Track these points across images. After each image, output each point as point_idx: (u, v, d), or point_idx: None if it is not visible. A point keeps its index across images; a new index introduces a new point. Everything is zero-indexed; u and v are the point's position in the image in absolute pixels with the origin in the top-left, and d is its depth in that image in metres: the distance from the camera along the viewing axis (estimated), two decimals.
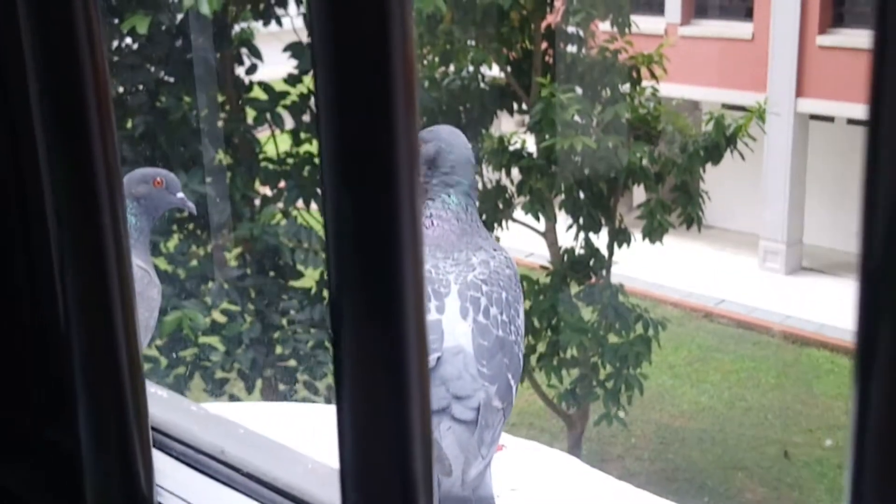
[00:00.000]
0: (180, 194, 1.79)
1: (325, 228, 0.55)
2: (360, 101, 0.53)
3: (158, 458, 1.03)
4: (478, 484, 1.34)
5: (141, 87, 5.96)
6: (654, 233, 6.53)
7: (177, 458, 1.02)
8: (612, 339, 6.76)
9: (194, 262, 5.93)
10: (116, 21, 5.78)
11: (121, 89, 5.93)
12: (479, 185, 6.73)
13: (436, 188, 1.54)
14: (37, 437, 1.05)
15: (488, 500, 1.35)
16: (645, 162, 6.59)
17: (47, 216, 0.74)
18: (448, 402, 1.37)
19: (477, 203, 1.56)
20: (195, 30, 5.83)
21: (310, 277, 6.10)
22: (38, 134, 0.74)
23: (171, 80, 5.91)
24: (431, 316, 1.43)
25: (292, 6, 6.31)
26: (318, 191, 6.07)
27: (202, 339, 5.82)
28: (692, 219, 6.62)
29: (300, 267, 5.95)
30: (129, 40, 5.94)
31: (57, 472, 0.97)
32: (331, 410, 2.28)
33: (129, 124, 5.87)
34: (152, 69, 5.92)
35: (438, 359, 1.40)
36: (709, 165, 6.61)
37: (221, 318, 5.95)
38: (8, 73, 0.78)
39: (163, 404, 1.15)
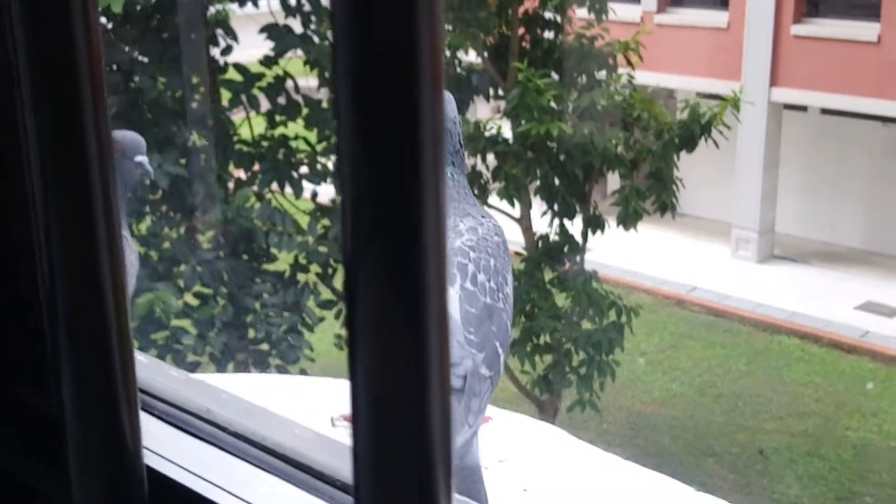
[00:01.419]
0: (139, 157, 1.72)
1: (341, 184, 0.53)
2: (383, 63, 0.51)
3: (143, 418, 1.02)
4: (464, 453, 1.33)
5: (115, 67, 5.89)
6: (628, 220, 6.55)
7: (161, 419, 1.01)
8: (586, 325, 6.78)
9: (167, 245, 5.89)
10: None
11: None
12: None
13: None
14: (14, 400, 1.04)
15: (475, 469, 1.34)
16: (620, 149, 6.61)
17: (33, 177, 0.72)
18: None
19: (460, 163, 1.53)
20: (170, 10, 5.78)
21: (283, 261, 6.07)
22: (25, 95, 0.72)
23: (146, 60, 5.85)
24: None
25: None
26: (294, 174, 6.03)
27: (174, 322, 5.78)
28: (666, 206, 6.64)
29: (274, 250, 5.92)
30: (103, 20, 5.87)
31: (40, 438, 0.96)
32: (303, 382, 2.26)
33: None
34: (126, 49, 5.86)
35: None
36: (683, 153, 6.63)
37: (194, 301, 5.91)
38: None
39: (144, 369, 1.14)
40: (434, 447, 0.55)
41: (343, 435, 1.49)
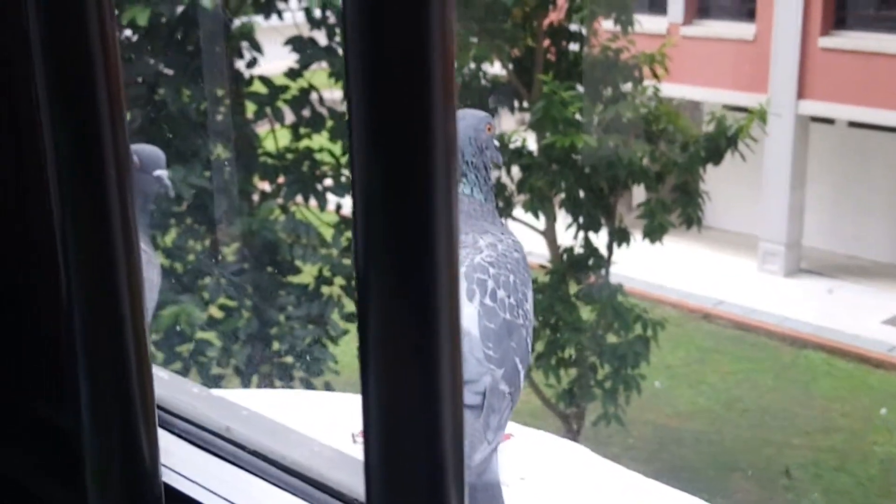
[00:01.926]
0: (158, 171, 1.71)
1: (353, 199, 0.52)
2: (395, 69, 0.50)
3: (162, 435, 1.01)
4: (483, 469, 1.31)
5: (140, 79, 5.92)
6: (653, 233, 6.51)
7: (180, 436, 1.00)
8: (611, 338, 6.74)
9: (191, 257, 5.90)
10: (116, 13, 5.75)
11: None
12: None
13: None
14: (36, 419, 1.03)
15: (494, 485, 1.33)
16: (645, 161, 6.57)
17: (50, 193, 0.72)
18: None
19: (486, 188, 1.53)
20: (195, 23, 5.80)
21: (308, 273, 6.07)
22: (42, 110, 0.71)
23: (171, 72, 5.88)
24: None
25: (294, 0, 6.28)
26: (318, 186, 6.04)
27: (199, 335, 5.79)
28: (692, 219, 6.60)
29: (298, 263, 5.92)
30: (128, 32, 5.90)
31: (57, 455, 0.95)
32: (326, 397, 2.25)
33: (128, 117, 5.83)
34: (151, 62, 5.89)
35: None
36: (709, 166, 6.59)
37: (219, 314, 5.92)
38: (13, 61, 0.76)
39: (164, 385, 1.13)
40: (446, 459, 0.53)
41: (354, 452, 1.47)
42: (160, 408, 1.05)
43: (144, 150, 1.73)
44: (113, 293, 0.72)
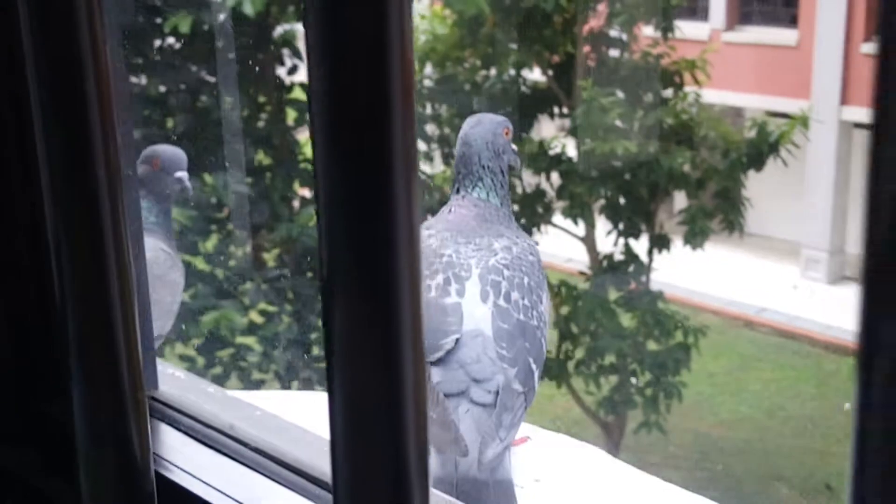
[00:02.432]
0: (179, 173, 1.73)
1: (317, 209, 0.53)
2: (355, 79, 0.51)
3: (167, 432, 1.03)
4: (495, 466, 1.33)
5: (182, 86, 5.99)
6: (694, 239, 6.47)
7: (186, 433, 1.01)
8: (652, 346, 6.70)
9: (232, 262, 5.96)
10: (159, 21, 5.83)
11: (162, 88, 5.97)
12: (519, 190, 6.70)
13: (459, 178, 1.54)
14: (39, 418, 1.05)
15: (507, 483, 1.34)
16: (686, 167, 6.53)
17: (43, 193, 0.73)
18: (467, 385, 1.37)
19: (503, 192, 1.54)
20: (237, 30, 5.86)
21: None
22: (35, 117, 0.72)
23: (212, 79, 5.94)
24: (451, 299, 1.42)
25: None
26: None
27: (239, 340, 5.84)
28: (733, 225, 6.55)
29: None
30: (171, 40, 5.98)
31: (55, 450, 0.97)
32: None
33: (171, 123, 5.90)
34: (194, 69, 5.96)
35: (457, 341, 1.39)
36: (751, 172, 6.53)
37: (259, 319, 5.97)
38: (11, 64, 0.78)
39: (180, 384, 1.15)
40: (409, 452, 0.54)
41: None
42: (168, 405, 1.07)
43: (166, 152, 1.75)
44: (103, 293, 0.73)
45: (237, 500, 0.91)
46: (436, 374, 1.38)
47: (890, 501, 0.36)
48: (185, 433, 1.02)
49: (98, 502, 0.76)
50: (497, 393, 1.36)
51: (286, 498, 0.92)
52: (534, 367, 1.40)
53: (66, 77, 0.71)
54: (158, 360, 1.23)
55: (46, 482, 1.00)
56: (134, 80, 6.09)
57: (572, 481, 1.44)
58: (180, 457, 0.98)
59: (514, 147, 1.62)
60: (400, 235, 0.52)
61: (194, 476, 0.95)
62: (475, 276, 1.44)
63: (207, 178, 5.79)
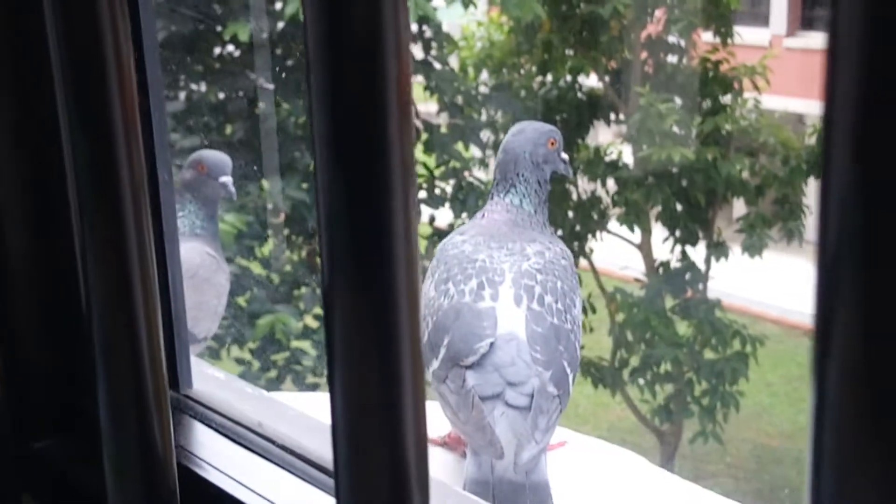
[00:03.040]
0: (223, 178, 1.76)
1: (317, 213, 0.55)
2: (352, 87, 0.52)
3: (199, 429, 1.05)
4: (531, 468, 1.34)
5: (241, 93, 6.07)
6: (753, 247, 6.40)
7: (217, 430, 1.03)
8: (708, 354, 6.63)
9: (288, 267, 6.01)
10: (219, 29, 5.91)
11: (221, 95, 6.06)
12: (574, 196, 6.68)
13: (495, 184, 1.56)
14: (78, 411, 1.07)
15: (543, 485, 1.35)
16: (745, 174, 6.46)
17: (71, 209, 0.75)
18: (502, 389, 1.38)
19: (537, 200, 1.55)
20: (295, 38, 5.93)
21: None
22: (62, 127, 0.74)
23: (270, 87, 6.01)
24: (485, 304, 1.44)
25: None
26: None
27: (294, 344, 5.89)
28: (793, 233, 6.46)
29: None
30: (230, 48, 6.06)
31: (88, 443, 0.99)
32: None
33: (229, 130, 5.98)
34: (252, 76, 6.03)
35: (492, 345, 1.40)
36: (811, 179, 6.44)
37: (314, 324, 6.02)
38: (37, 72, 0.80)
39: (219, 385, 1.17)
40: (408, 450, 0.55)
41: None
42: (201, 403, 1.09)
43: (211, 157, 1.79)
44: (126, 295, 0.75)
45: (262, 496, 0.92)
46: (471, 378, 1.39)
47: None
48: (216, 430, 1.04)
49: (122, 495, 0.78)
50: (532, 396, 1.38)
51: (310, 494, 0.93)
52: (568, 370, 1.41)
53: (90, 87, 0.73)
54: (201, 362, 1.25)
55: (78, 473, 1.03)
56: (193, 87, 6.18)
57: (609, 486, 1.44)
58: (209, 453, 1.00)
59: (565, 156, 1.63)
60: (397, 247, 0.53)
61: (222, 472, 0.97)
62: (508, 281, 1.45)
63: (265, 183, 5.86)
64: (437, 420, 1.49)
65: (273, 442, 0.98)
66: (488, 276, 1.45)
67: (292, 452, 0.96)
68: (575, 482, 1.43)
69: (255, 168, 5.72)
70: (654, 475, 1.49)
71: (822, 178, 0.36)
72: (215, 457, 0.98)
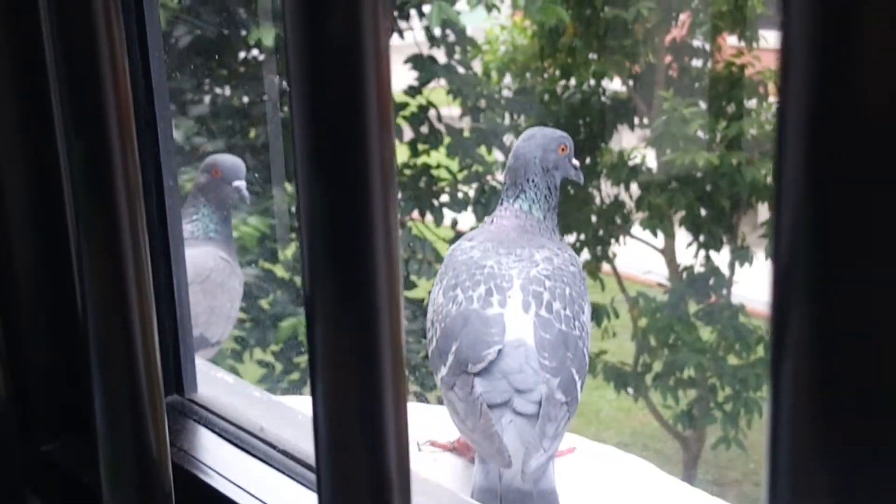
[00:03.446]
0: (237, 182, 1.78)
1: (298, 223, 0.55)
2: (332, 98, 0.53)
3: (204, 434, 1.05)
4: (539, 476, 1.34)
5: (265, 97, 6.10)
6: None
7: (220, 435, 1.04)
8: (732, 360, 6.59)
9: None
10: (244, 33, 5.94)
11: (245, 99, 6.09)
12: (597, 200, 6.66)
13: (504, 190, 1.56)
14: (84, 413, 1.08)
15: (550, 493, 1.35)
16: (770, 179, 6.42)
17: (67, 212, 0.76)
18: (510, 396, 1.38)
19: (546, 206, 1.55)
20: None
21: (422, 288, 6.13)
22: (58, 132, 0.75)
23: None
24: (493, 310, 1.44)
25: (415, 19, 6.38)
26: (435, 202, 6.11)
27: None
28: None
29: (413, 277, 5.99)
30: (255, 52, 6.09)
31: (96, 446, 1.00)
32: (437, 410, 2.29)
33: (253, 134, 6.01)
34: (276, 80, 6.06)
35: (500, 352, 1.40)
36: None
37: None
38: (34, 75, 0.81)
39: (227, 389, 1.18)
40: (389, 456, 0.55)
41: (422, 459, 1.49)
42: (204, 408, 1.10)
43: (225, 161, 1.80)
44: (121, 300, 0.76)
45: (262, 500, 0.93)
46: (479, 385, 1.39)
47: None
48: (219, 435, 1.05)
49: (117, 498, 0.79)
50: (540, 403, 1.38)
51: (309, 499, 0.94)
52: (576, 377, 1.41)
53: (85, 93, 0.73)
54: (210, 366, 1.26)
55: (86, 476, 1.04)
56: (218, 91, 6.22)
57: (617, 493, 1.43)
58: (212, 457, 1.01)
59: (576, 162, 1.63)
60: (378, 256, 0.53)
61: (224, 476, 0.98)
62: (517, 287, 1.45)
63: (288, 186, 5.89)
64: (446, 426, 1.50)
65: (274, 447, 0.99)
66: (496, 282, 1.46)
67: (293, 457, 0.97)
68: (583, 490, 1.43)
69: (278, 171, 5.74)
70: (663, 483, 1.48)
71: (775, 182, 0.37)
72: (217, 461, 0.99)
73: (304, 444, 1.03)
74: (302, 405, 1.43)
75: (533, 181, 1.53)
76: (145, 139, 0.96)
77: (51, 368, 1.08)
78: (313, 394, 0.57)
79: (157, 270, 1.02)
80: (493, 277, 1.44)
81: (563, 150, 1.58)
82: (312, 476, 0.97)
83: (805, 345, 0.37)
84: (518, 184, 1.54)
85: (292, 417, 1.14)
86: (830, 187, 0.36)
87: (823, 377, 0.38)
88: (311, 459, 1.00)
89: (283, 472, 0.96)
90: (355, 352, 0.55)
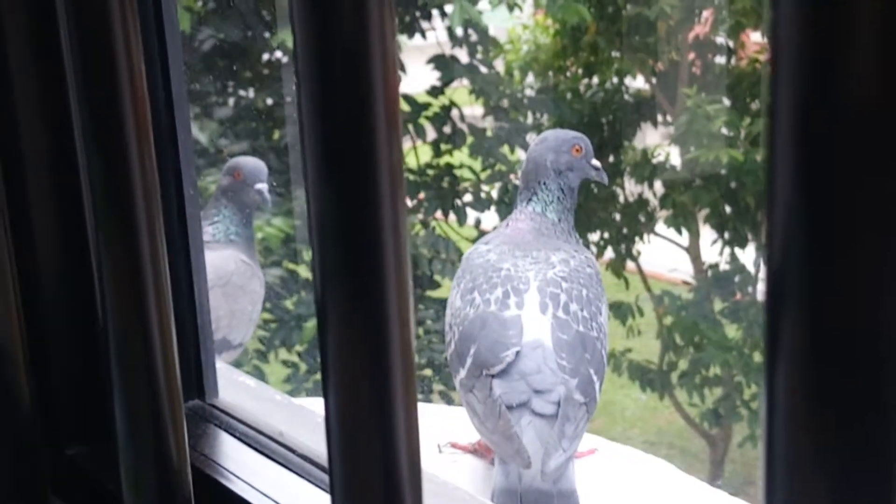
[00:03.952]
0: (259, 185, 1.79)
1: (308, 224, 0.56)
2: (341, 97, 0.53)
3: (225, 439, 1.07)
4: (558, 476, 1.35)
5: (289, 99, 6.12)
6: None
7: (240, 440, 1.05)
8: (758, 358, 6.56)
9: None
10: (268, 35, 5.97)
11: (269, 101, 6.11)
12: (621, 199, 6.64)
13: (519, 193, 1.57)
14: (108, 417, 1.10)
15: (570, 493, 1.36)
16: None
17: (86, 214, 0.77)
18: (528, 397, 1.39)
19: (560, 207, 1.56)
20: None
21: (446, 288, 6.14)
22: (77, 138, 0.77)
23: None
24: (511, 312, 1.45)
25: (437, 19, 6.38)
26: (458, 202, 6.11)
27: None
28: None
29: (437, 277, 6.00)
30: (279, 54, 6.12)
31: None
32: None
33: (276, 135, 6.04)
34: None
35: (518, 353, 1.41)
36: None
37: None
38: (49, 79, 0.82)
39: (248, 392, 1.19)
40: (400, 459, 0.56)
41: (443, 461, 1.50)
42: (225, 412, 1.11)
43: (247, 164, 1.82)
44: (141, 307, 0.77)
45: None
46: (497, 387, 1.40)
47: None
48: (240, 439, 1.06)
49: (137, 502, 0.80)
50: (558, 404, 1.38)
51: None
52: (594, 377, 1.41)
53: (103, 102, 0.75)
54: (232, 370, 1.27)
55: (110, 480, 1.05)
56: (242, 93, 6.25)
57: (638, 494, 1.44)
58: (232, 462, 1.02)
59: (596, 162, 1.63)
60: (387, 258, 0.54)
61: (244, 481, 0.99)
62: (534, 289, 1.46)
63: None
64: (468, 427, 1.50)
65: (294, 451, 1.00)
66: (513, 284, 1.46)
67: (312, 462, 0.98)
68: (604, 491, 1.43)
69: (302, 173, 5.76)
70: (684, 484, 1.48)
71: (766, 180, 0.37)
72: (238, 466, 1.00)
73: (322, 446, 1.04)
74: (321, 407, 1.44)
75: (545, 184, 1.54)
76: (165, 148, 0.98)
77: (74, 373, 1.09)
78: (325, 395, 0.57)
79: (178, 278, 1.03)
80: (509, 280, 1.45)
81: (577, 151, 1.58)
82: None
83: (799, 347, 0.38)
84: (531, 187, 1.55)
85: (311, 420, 1.15)
86: (822, 182, 0.36)
87: (818, 379, 0.38)
88: (323, 461, 1.01)
89: (303, 476, 0.97)
90: (366, 354, 0.56)
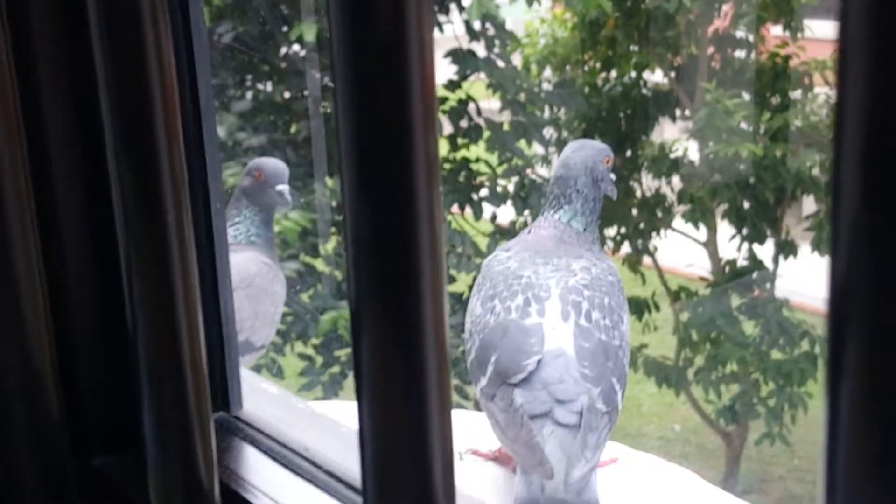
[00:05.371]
0: (280, 186, 1.78)
1: (344, 234, 0.55)
2: (377, 110, 0.52)
3: (251, 453, 1.06)
4: (581, 487, 1.33)
5: (306, 92, 6.12)
6: (822, 245, 6.27)
7: (266, 454, 1.04)
8: (776, 355, 6.53)
9: None
10: (285, 29, 5.96)
11: (287, 95, 6.11)
12: (638, 194, 6.62)
13: (549, 199, 1.55)
14: (135, 427, 1.09)
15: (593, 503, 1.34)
16: (815, 171, 6.34)
17: (116, 221, 0.76)
18: (550, 406, 1.38)
19: (588, 218, 1.54)
20: None
21: (462, 282, 6.13)
22: (107, 141, 0.75)
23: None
24: (532, 320, 1.43)
25: (455, 13, 6.36)
26: (474, 196, 6.10)
27: None
28: None
29: (453, 271, 5.98)
30: (296, 47, 6.11)
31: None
32: (476, 417, 2.29)
33: (294, 129, 6.03)
34: (317, 76, 6.07)
35: (539, 362, 1.39)
36: None
37: None
38: (80, 86, 0.81)
39: (269, 400, 1.18)
40: (434, 472, 0.55)
41: (464, 469, 1.48)
42: (250, 425, 1.10)
43: (268, 165, 1.81)
44: (170, 317, 0.76)
45: None
46: (519, 396, 1.38)
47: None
48: (265, 453, 1.05)
49: None
50: (581, 413, 1.37)
51: None
52: (617, 386, 1.40)
53: (134, 110, 0.73)
54: (254, 376, 1.26)
55: (137, 490, 1.04)
56: (260, 86, 6.25)
57: (657, 502, 1.42)
58: (258, 477, 1.01)
59: (613, 176, 1.62)
60: (423, 270, 0.53)
61: (270, 497, 0.98)
62: (555, 297, 1.45)
63: (328, 181, 5.90)
64: (487, 436, 1.49)
65: (320, 467, 0.99)
66: (534, 292, 1.45)
67: (338, 478, 0.97)
68: (626, 500, 1.42)
69: (320, 167, 5.76)
70: (707, 493, 1.47)
71: (831, 187, 0.36)
72: (263, 481, 0.99)
73: (348, 460, 1.03)
74: (341, 413, 1.43)
75: (582, 192, 1.53)
76: (193, 162, 0.96)
77: (102, 383, 1.08)
78: (359, 404, 0.56)
79: (203, 289, 1.02)
80: (530, 287, 1.43)
81: (608, 161, 1.58)
82: (356, 497, 0.97)
83: (862, 364, 0.36)
84: (567, 194, 1.53)
85: (336, 431, 1.14)
86: (890, 199, 0.35)
87: (883, 397, 0.37)
88: (355, 480, 1.00)
89: (329, 493, 0.96)
90: (401, 363, 0.55)
